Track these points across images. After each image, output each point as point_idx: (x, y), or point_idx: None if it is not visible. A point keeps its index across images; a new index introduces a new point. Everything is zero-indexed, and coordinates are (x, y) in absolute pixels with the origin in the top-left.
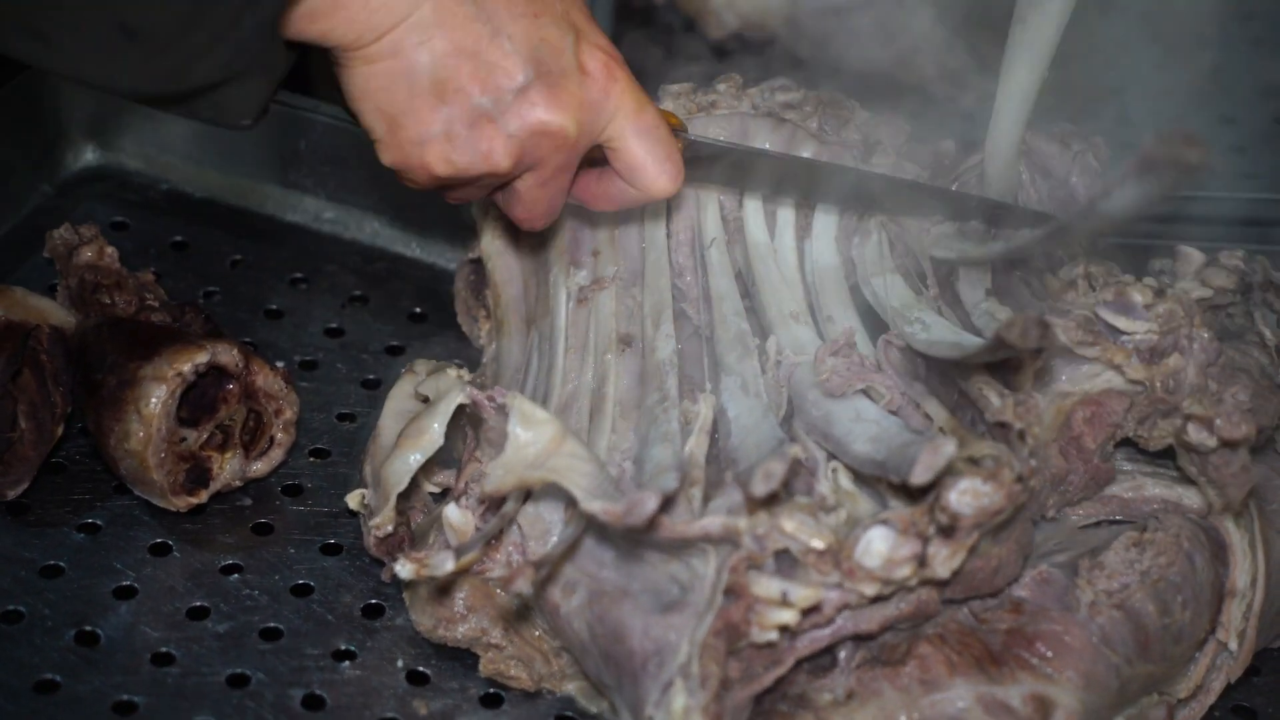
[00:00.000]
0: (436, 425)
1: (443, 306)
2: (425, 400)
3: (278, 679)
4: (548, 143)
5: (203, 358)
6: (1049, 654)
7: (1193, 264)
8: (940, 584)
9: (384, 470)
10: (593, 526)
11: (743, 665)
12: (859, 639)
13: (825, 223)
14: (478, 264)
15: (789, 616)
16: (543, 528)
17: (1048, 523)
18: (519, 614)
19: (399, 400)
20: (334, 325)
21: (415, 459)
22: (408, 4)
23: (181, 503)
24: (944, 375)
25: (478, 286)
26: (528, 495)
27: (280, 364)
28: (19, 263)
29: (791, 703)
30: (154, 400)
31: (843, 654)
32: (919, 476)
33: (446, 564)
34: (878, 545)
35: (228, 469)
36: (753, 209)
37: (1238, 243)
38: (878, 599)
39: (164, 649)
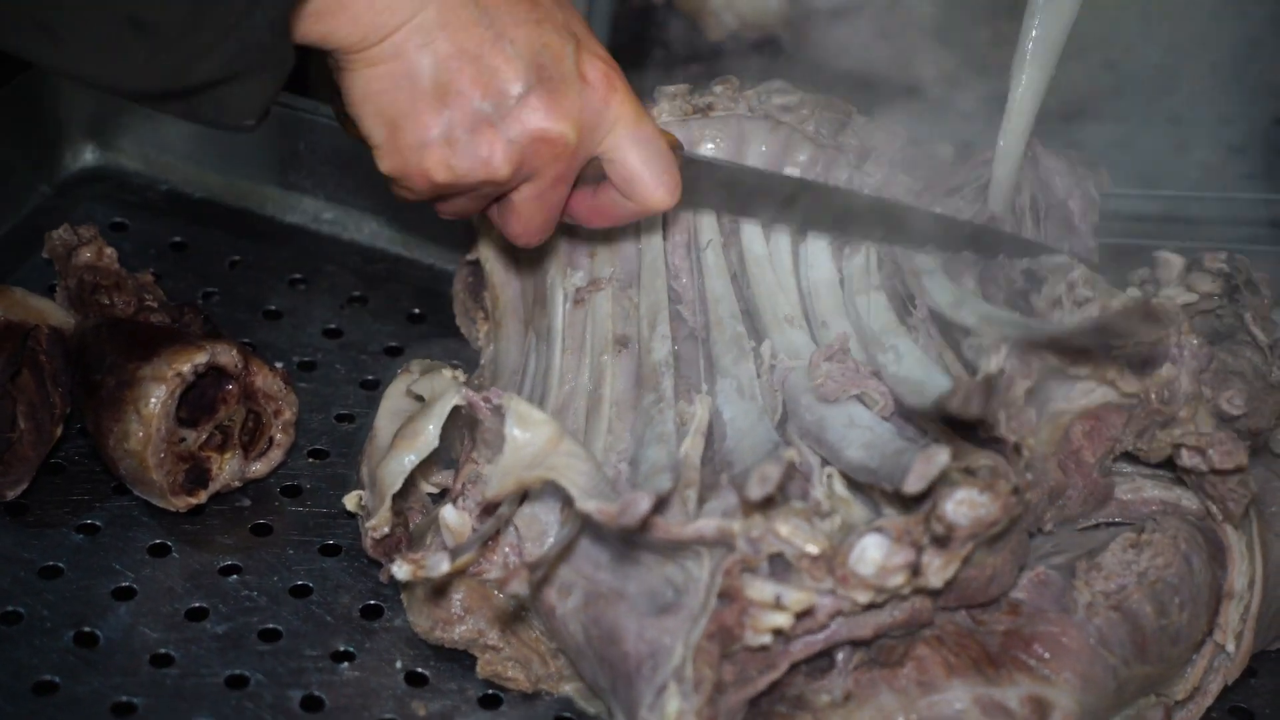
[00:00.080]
0: (431, 427)
1: (441, 308)
2: (419, 399)
3: (276, 680)
4: (547, 150)
5: (202, 358)
6: (1046, 655)
7: (1174, 269)
8: (934, 593)
9: (379, 472)
10: (589, 528)
11: (737, 668)
12: (853, 644)
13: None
14: (476, 266)
15: (783, 620)
16: (539, 529)
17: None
18: (516, 615)
19: (394, 400)
20: (333, 326)
21: (410, 460)
22: (411, 6)
23: (181, 503)
24: None
25: (476, 288)
26: (524, 497)
27: (279, 365)
28: (18, 263)
29: (789, 704)
30: (153, 401)
31: (840, 656)
32: (912, 485)
33: (442, 565)
34: (872, 553)
35: (227, 469)
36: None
37: (1238, 243)
38: (871, 606)
39: (163, 650)
